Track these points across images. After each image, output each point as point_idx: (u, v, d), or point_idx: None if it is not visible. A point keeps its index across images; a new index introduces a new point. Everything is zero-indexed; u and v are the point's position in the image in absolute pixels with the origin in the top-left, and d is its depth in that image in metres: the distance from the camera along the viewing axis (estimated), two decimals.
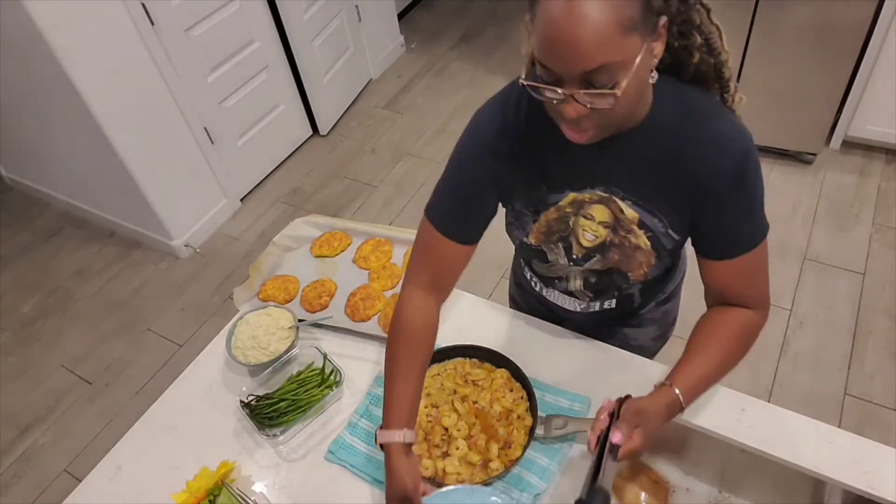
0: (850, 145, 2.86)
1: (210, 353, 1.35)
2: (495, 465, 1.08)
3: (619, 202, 0.95)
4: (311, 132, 3.52)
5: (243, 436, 1.21)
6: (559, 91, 0.75)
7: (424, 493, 0.98)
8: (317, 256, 1.52)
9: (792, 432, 1.07)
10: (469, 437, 1.12)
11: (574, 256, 1.05)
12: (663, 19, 0.75)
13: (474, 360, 1.23)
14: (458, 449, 1.10)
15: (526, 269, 1.21)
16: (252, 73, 3.01)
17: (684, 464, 1.20)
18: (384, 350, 1.30)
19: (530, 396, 1.15)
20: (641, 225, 0.95)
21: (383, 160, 3.32)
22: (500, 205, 1.05)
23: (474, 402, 1.16)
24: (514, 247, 1.16)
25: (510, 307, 1.39)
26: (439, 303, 1.08)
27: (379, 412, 1.19)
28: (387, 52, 3.94)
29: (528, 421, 1.12)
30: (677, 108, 0.86)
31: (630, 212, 0.95)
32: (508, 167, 0.97)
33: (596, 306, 1.16)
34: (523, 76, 0.79)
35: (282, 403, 1.19)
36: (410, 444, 0.99)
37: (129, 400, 2.40)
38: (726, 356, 0.97)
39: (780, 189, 2.77)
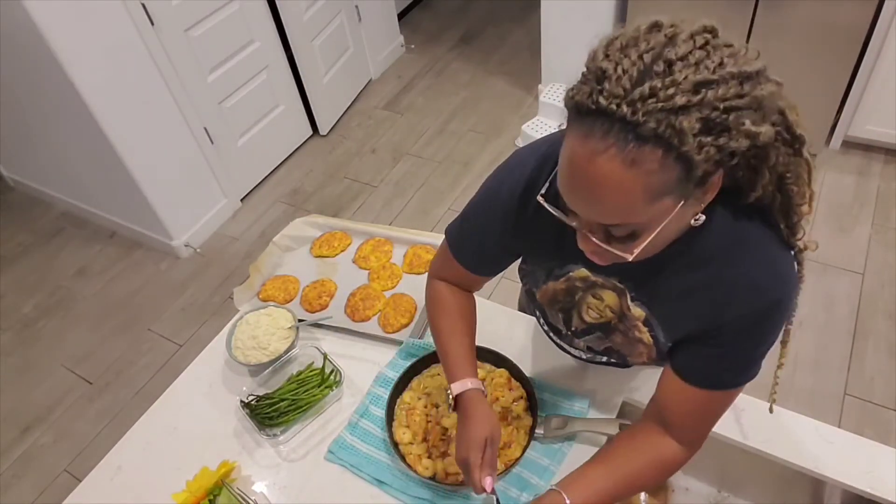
0: (849, 145, 2.86)
1: (210, 353, 1.35)
2: None
3: (629, 301, 0.89)
4: (311, 132, 3.52)
5: (243, 436, 1.21)
6: (574, 225, 0.69)
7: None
8: (317, 256, 1.52)
9: (792, 432, 1.07)
10: None
11: (573, 328, 1.02)
12: (718, 173, 0.64)
13: None
14: None
15: (535, 309, 1.18)
16: (252, 73, 3.01)
17: None
18: (384, 350, 1.31)
19: (530, 396, 1.15)
20: (647, 323, 0.90)
21: (383, 160, 3.32)
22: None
23: None
24: None
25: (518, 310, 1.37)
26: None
27: (379, 412, 1.19)
28: (387, 52, 3.94)
29: (528, 421, 1.12)
30: (722, 239, 0.76)
31: (637, 311, 0.89)
32: (530, 223, 0.90)
33: (602, 359, 1.14)
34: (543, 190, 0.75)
35: (282, 403, 1.19)
36: (484, 394, 1.00)
37: (129, 400, 2.40)
38: (635, 483, 0.92)
39: None
